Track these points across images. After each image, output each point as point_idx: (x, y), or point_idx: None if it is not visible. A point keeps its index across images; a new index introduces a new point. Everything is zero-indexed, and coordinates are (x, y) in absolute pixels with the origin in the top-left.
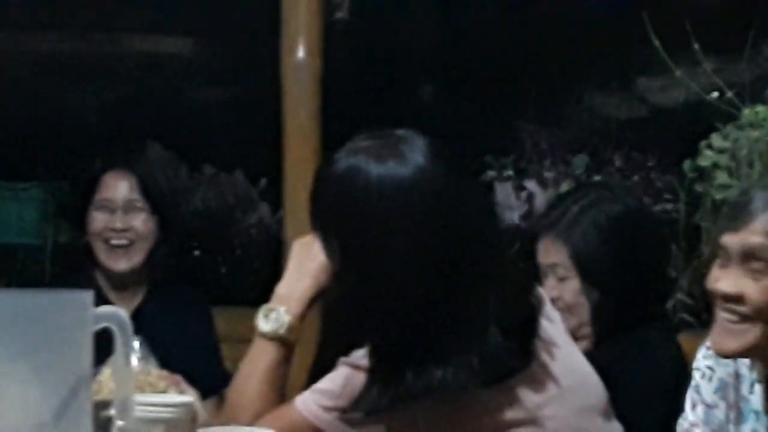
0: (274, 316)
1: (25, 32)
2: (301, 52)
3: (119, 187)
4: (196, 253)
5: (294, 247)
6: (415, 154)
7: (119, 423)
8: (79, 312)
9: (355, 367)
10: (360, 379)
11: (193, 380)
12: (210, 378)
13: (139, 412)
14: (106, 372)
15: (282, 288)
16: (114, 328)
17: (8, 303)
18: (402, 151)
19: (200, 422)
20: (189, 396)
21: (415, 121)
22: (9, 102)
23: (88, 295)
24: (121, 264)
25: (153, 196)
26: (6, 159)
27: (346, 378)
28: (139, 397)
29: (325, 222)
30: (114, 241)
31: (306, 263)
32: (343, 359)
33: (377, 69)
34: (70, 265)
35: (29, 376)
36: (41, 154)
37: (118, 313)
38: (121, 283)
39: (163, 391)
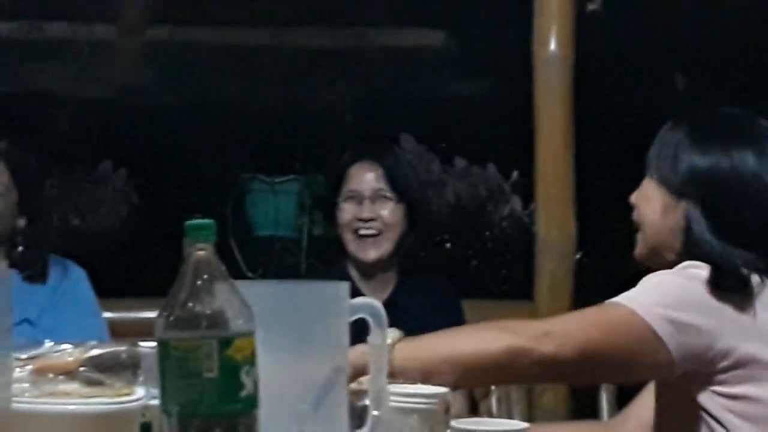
0: None
1: (282, 29)
2: (553, 44)
3: (366, 178)
4: (448, 245)
5: None
6: None
7: (374, 412)
8: (336, 302)
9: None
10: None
11: None
12: None
13: (393, 402)
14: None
15: None
16: (369, 318)
17: (268, 294)
18: None
19: (453, 413)
20: (442, 387)
21: (669, 111)
22: (266, 98)
23: (345, 286)
24: (371, 254)
25: (400, 187)
26: (264, 154)
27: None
28: (394, 388)
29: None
30: (362, 231)
31: None
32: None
33: (629, 60)
34: (324, 257)
35: (289, 365)
36: (297, 148)
37: (373, 304)
38: (371, 273)
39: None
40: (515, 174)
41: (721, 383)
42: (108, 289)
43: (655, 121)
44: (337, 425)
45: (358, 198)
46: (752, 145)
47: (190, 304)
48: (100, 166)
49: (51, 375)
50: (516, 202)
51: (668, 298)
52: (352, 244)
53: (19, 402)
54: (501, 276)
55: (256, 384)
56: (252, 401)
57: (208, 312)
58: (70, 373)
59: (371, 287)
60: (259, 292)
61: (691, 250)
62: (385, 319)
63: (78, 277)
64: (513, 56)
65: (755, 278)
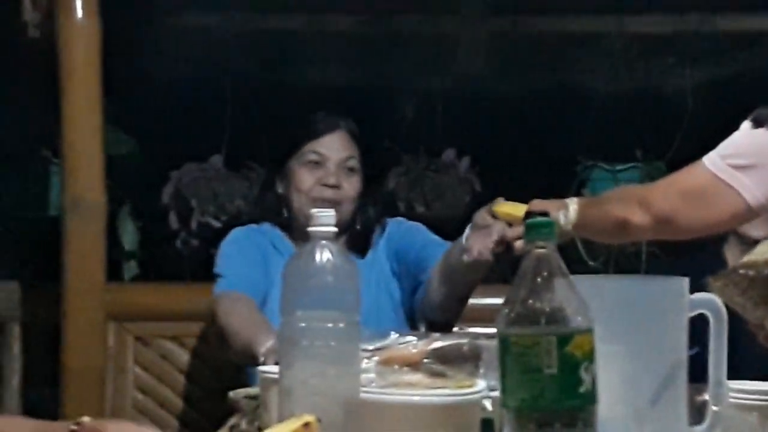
0: None
1: (624, 15)
2: None
3: None
4: None
5: None
6: None
7: (714, 408)
8: (676, 298)
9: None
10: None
11: None
12: None
13: (732, 398)
14: None
15: None
16: (709, 314)
17: (608, 289)
18: None
19: None
20: None
21: None
22: (608, 85)
23: (684, 282)
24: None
25: None
26: (605, 141)
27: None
28: (733, 384)
29: None
30: None
31: None
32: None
33: None
34: (665, 246)
35: (628, 358)
36: (639, 135)
37: (713, 299)
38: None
39: None
40: None
41: None
42: None
43: None
44: (676, 421)
45: None
46: None
47: (530, 301)
48: (444, 154)
49: (396, 366)
50: None
51: (730, 147)
52: None
53: (366, 392)
54: None
55: (594, 380)
56: (590, 397)
57: (548, 309)
58: (414, 365)
59: None
60: (598, 288)
61: None
62: (725, 314)
63: None
64: None
65: None
